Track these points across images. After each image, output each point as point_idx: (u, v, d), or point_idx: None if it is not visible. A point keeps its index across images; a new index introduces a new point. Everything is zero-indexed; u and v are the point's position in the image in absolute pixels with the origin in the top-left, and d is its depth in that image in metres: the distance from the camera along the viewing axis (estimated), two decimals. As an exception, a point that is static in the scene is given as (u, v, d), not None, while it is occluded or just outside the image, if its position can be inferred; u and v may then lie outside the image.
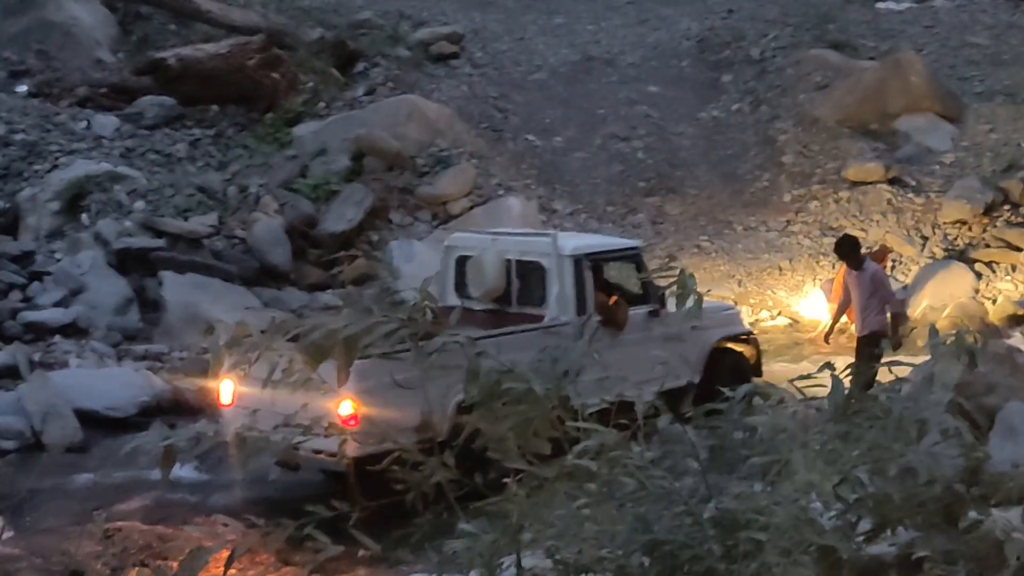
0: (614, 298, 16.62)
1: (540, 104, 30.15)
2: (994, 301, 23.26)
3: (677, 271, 5.88)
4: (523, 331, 15.80)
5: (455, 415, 14.38)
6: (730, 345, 17.98)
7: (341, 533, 5.13)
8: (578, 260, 16.68)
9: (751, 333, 18.85)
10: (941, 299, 22.92)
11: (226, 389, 15.77)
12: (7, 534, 14.82)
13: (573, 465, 4.96)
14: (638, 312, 16.75)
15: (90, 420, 18.88)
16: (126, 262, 23.44)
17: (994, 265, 24.34)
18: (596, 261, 16.76)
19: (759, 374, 17.74)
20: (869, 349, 16.30)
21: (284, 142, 28.06)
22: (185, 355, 21.21)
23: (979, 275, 24.03)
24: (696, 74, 31.55)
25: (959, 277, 23.75)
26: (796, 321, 24.01)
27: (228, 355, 5.30)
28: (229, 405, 15.68)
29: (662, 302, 16.83)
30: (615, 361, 15.15)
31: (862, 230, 25.06)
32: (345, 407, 14.46)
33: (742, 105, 30.19)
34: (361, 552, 5.20)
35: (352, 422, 14.45)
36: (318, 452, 14.36)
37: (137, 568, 14.31)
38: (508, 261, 17.10)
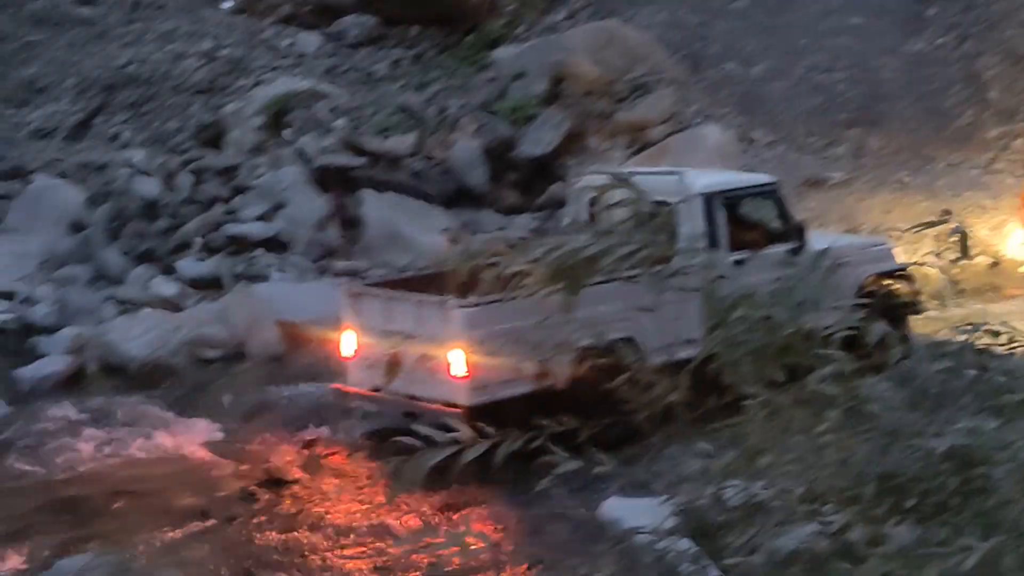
0: None
1: (741, 33, 29.77)
2: None
3: (950, 223, 5.75)
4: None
5: (576, 364, 14.30)
6: (882, 282, 17.11)
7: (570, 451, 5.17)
8: (709, 198, 16.11)
9: (906, 269, 17.58)
10: None
11: (348, 341, 15.82)
12: (214, 437, 15.21)
13: (811, 392, 4.94)
14: (778, 250, 15.83)
15: (290, 332, 19.24)
16: (327, 179, 23.68)
17: None
18: (730, 199, 16.39)
19: (916, 312, 17.06)
20: None
21: (483, 64, 28.10)
22: (383, 272, 21.44)
23: None
24: (900, 7, 30.87)
25: None
26: (997, 263, 23.47)
27: (466, 269, 5.34)
28: (352, 357, 15.76)
29: (803, 239, 16.30)
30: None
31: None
32: (457, 357, 14.47)
33: (947, 39, 29.50)
34: (597, 469, 5.21)
35: (465, 372, 14.41)
36: (432, 402, 14.48)
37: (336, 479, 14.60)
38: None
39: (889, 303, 16.49)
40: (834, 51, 29.12)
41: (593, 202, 16.73)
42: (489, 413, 13.49)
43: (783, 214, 16.87)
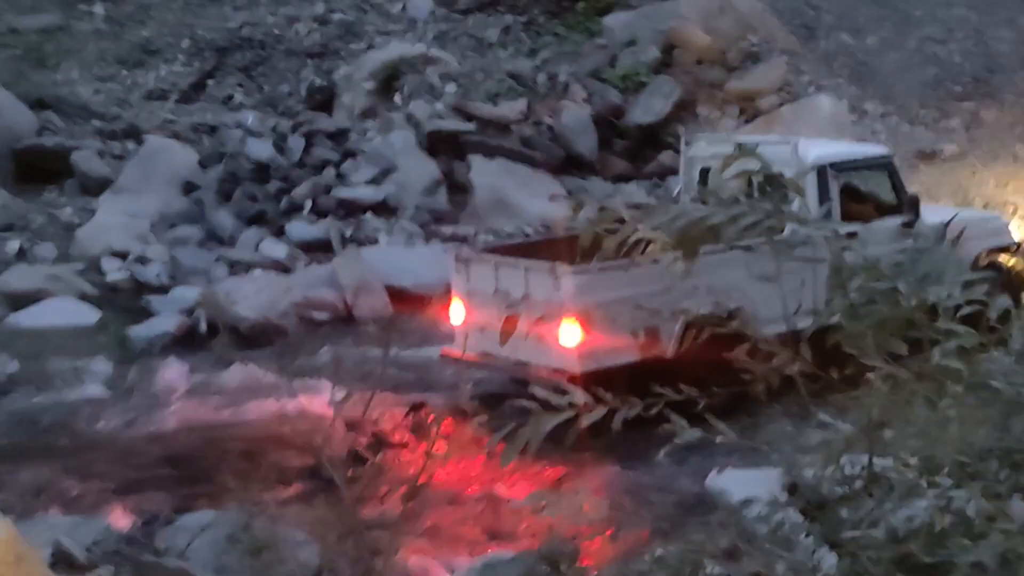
0: None
1: (854, 3, 29.49)
2: None
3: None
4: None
5: (683, 332, 14.28)
6: (995, 257, 17.03)
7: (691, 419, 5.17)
8: (822, 170, 15.93)
9: (1020, 245, 17.65)
10: None
11: (457, 306, 15.88)
12: (323, 398, 15.33)
13: (935, 365, 4.90)
14: (891, 223, 15.78)
15: (398, 296, 19.36)
16: (436, 144, 23.79)
17: None
18: (843, 170, 16.24)
19: None
20: None
21: (594, 31, 28.07)
22: (491, 239, 21.52)
23: None
24: (1018, -23, 30.46)
25: None
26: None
27: (593, 234, 5.32)
28: (461, 323, 15.79)
29: (916, 212, 16.17)
30: None
31: None
32: (568, 324, 14.43)
33: (1065, 10, 29.08)
34: (719, 438, 5.20)
35: (575, 339, 14.41)
36: (542, 369, 14.50)
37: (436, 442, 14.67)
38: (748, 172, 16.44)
39: (1006, 278, 16.53)
40: (948, 22, 28.78)
41: (703, 172, 16.78)
42: (599, 381, 13.54)
43: (896, 186, 16.73)
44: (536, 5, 29.05)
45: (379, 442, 14.56)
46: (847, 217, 15.61)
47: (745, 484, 10.16)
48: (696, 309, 13.89)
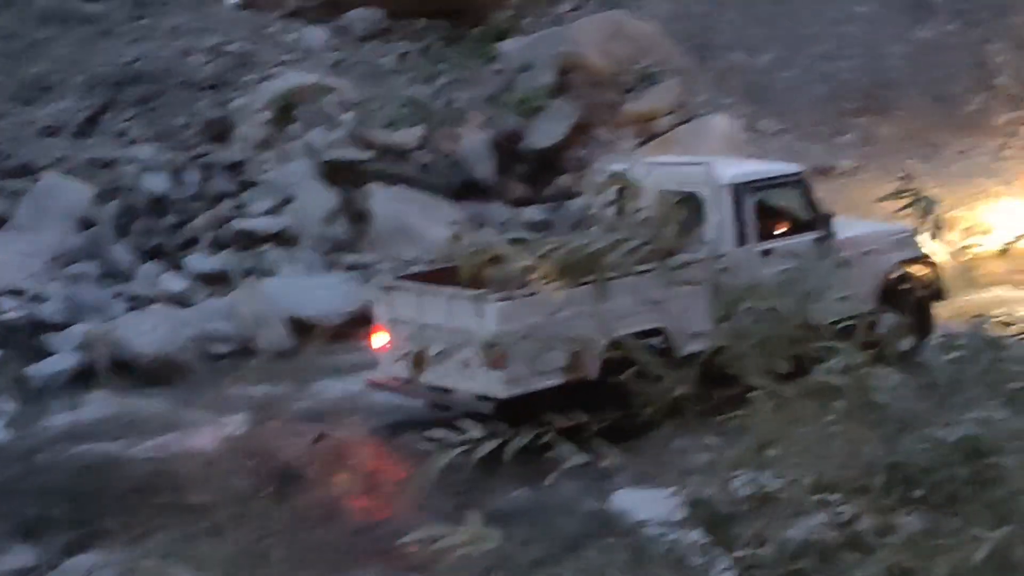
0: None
1: (746, 22, 29.76)
2: None
3: (913, 192, 5.79)
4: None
5: (606, 353, 14.07)
6: (907, 269, 17.21)
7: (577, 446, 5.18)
8: (737, 188, 16.21)
9: (929, 256, 17.54)
10: None
11: (380, 338, 15.89)
12: (225, 433, 15.21)
13: (818, 383, 4.95)
14: (805, 239, 15.98)
15: (299, 328, 19.25)
16: (334, 173, 23.66)
17: None
18: (757, 189, 16.46)
19: (940, 298, 17.11)
20: None
21: (490, 57, 28.09)
22: (391, 266, 21.45)
23: None
24: (907, -7, 30.87)
25: None
26: (1006, 249, 23.43)
27: (473, 264, 5.34)
28: (383, 349, 15.81)
29: (829, 228, 16.40)
30: None
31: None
32: (490, 350, 14.36)
33: (954, 26, 29.48)
34: (604, 463, 5.21)
35: (498, 364, 14.46)
36: (465, 394, 14.60)
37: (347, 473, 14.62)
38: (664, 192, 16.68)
39: (913, 290, 16.87)
40: (840, 39, 29.11)
41: (620, 193, 16.76)
42: (522, 405, 13.68)
43: (810, 203, 16.92)
44: (432, 32, 29.07)
45: (284, 475, 14.46)
46: (763, 235, 16.04)
47: (646, 504, 10.18)
48: (620, 330, 13.92)
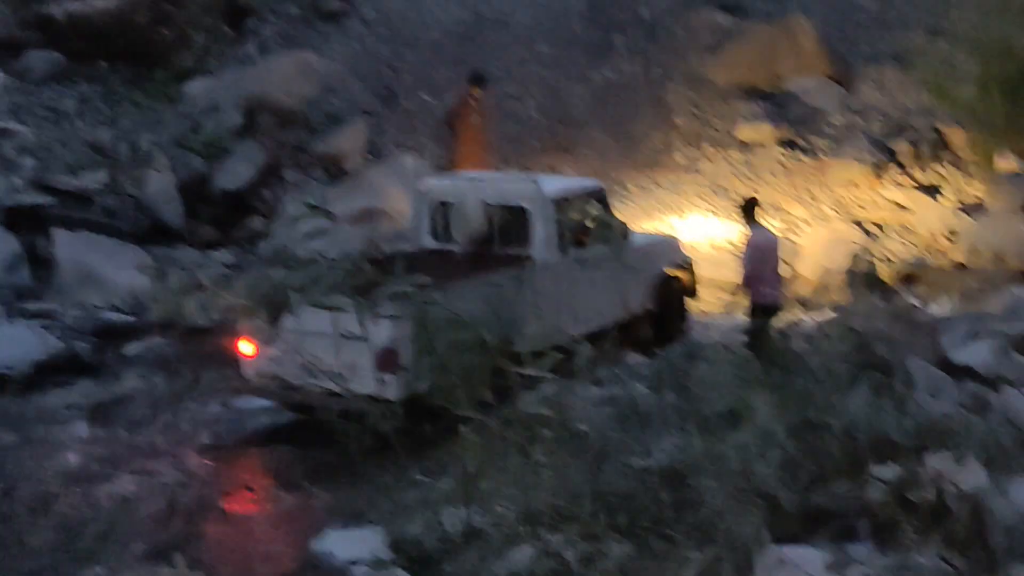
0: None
1: (433, 63, 29.97)
2: (884, 261, 23.57)
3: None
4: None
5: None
6: (675, 273, 19.49)
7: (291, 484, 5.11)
8: (558, 202, 17.52)
9: (690, 262, 20.12)
10: (833, 259, 23.22)
11: (246, 347, 15.46)
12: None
13: (524, 412, 4.98)
14: (606, 249, 17.31)
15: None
16: (16, 219, 23.03)
17: (883, 226, 24.66)
18: (571, 201, 17.82)
19: (693, 296, 19.76)
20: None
21: (174, 98, 27.69)
22: (78, 313, 20.91)
23: (869, 235, 24.35)
24: (587, 34, 31.48)
25: (850, 237, 24.07)
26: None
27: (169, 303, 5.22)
28: (252, 356, 15.35)
29: (626, 236, 17.79)
30: (584, 296, 16.90)
31: (755, 190, 25.23)
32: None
33: (633, 66, 30.22)
34: (311, 501, 5.15)
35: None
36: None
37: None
38: (488, 205, 17.74)
39: (683, 293, 19.63)
40: (524, 80, 29.56)
41: (437, 207, 18.12)
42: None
43: (610, 215, 18.51)
44: (113, 74, 28.49)
45: None
46: (576, 244, 17.56)
47: (352, 544, 10.05)
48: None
